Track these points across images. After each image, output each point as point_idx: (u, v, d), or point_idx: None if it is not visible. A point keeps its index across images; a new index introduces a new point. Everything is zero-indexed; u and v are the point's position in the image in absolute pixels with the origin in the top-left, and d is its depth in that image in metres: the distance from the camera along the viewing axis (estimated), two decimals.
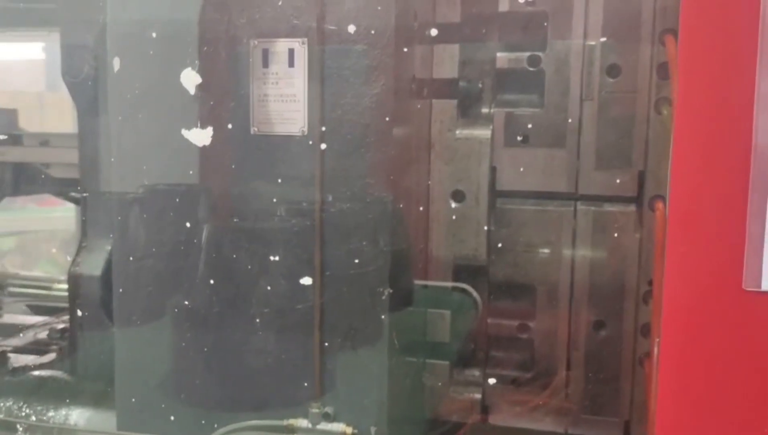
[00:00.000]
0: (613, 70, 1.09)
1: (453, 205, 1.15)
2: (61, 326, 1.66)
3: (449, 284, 1.18)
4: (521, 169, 1.13)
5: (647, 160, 1.08)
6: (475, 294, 1.17)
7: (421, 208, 1.15)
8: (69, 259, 1.37)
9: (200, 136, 1.04)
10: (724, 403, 0.64)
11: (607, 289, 1.11)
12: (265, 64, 1.01)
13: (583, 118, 1.10)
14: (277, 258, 1.03)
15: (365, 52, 0.98)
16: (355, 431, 1.02)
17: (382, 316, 1.01)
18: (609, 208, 1.10)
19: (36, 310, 1.93)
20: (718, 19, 0.62)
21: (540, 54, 1.11)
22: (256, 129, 1.02)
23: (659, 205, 1.04)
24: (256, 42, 1.01)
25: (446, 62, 1.14)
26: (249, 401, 1.07)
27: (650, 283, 1.07)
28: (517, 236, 1.14)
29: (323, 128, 0.99)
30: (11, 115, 1.86)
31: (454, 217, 1.15)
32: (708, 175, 0.62)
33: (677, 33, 0.99)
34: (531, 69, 1.12)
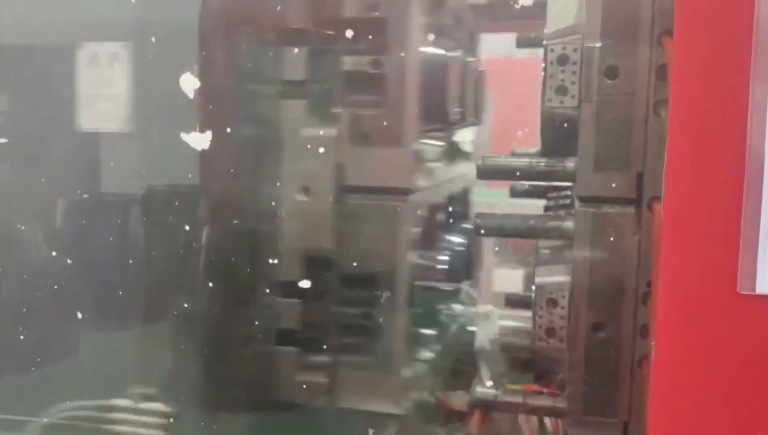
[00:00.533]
0: (611, 72, 1.09)
1: (301, 200, 1.23)
2: None
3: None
4: (364, 166, 1.22)
5: (645, 161, 1.08)
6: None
7: (271, 204, 1.24)
8: None
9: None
10: (720, 405, 0.64)
11: (606, 290, 1.11)
12: (92, 65, 1.09)
13: (582, 120, 1.10)
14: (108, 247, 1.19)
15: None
16: (172, 410, 1.17)
17: (202, 304, 1.18)
18: (608, 209, 1.10)
19: None
20: (713, 21, 0.62)
21: (381, 58, 1.19)
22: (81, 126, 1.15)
23: (657, 207, 1.04)
24: (82, 44, 1.08)
25: (295, 64, 1.23)
26: (72, 382, 1.21)
27: (649, 284, 1.07)
28: (361, 230, 1.23)
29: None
30: None
31: (303, 212, 1.23)
32: (702, 178, 0.63)
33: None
34: (373, 72, 1.20)
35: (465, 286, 1.45)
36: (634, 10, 1.06)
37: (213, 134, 1.16)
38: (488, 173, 1.26)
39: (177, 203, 1.20)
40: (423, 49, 1.26)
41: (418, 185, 1.26)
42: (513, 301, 1.50)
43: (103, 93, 1.12)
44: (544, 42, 1.15)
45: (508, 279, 3.08)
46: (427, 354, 1.39)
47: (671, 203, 0.63)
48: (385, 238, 1.23)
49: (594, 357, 1.12)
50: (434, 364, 1.43)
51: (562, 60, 1.12)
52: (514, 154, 1.37)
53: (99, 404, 1.16)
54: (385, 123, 1.20)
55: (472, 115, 1.59)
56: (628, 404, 1.11)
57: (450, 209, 1.61)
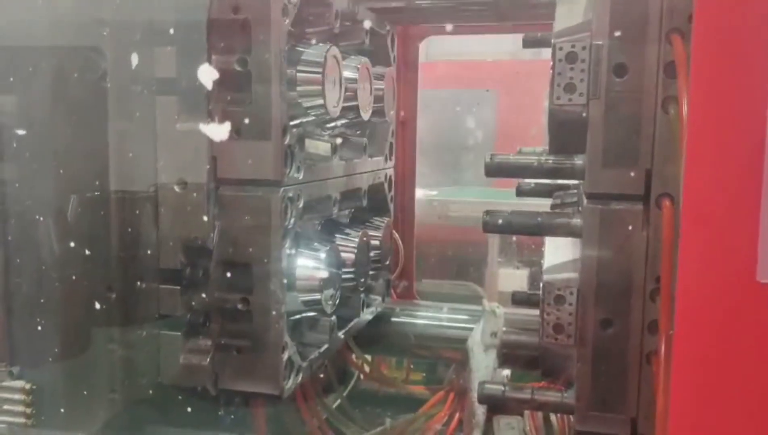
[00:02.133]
0: (619, 70, 1.09)
1: (177, 191, 1.30)
2: None
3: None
4: (235, 159, 1.29)
5: (654, 158, 1.08)
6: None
7: (148, 196, 1.32)
8: None
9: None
10: (739, 391, 0.64)
11: (614, 286, 1.12)
12: None
13: (591, 117, 1.10)
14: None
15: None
16: (34, 387, 1.26)
17: (61, 287, 1.29)
18: (616, 206, 1.11)
19: None
20: (732, 15, 0.63)
21: (246, 57, 1.26)
22: None
23: (666, 203, 1.05)
24: None
25: (166, 62, 1.30)
26: None
27: (657, 280, 1.07)
28: (235, 219, 1.30)
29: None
30: None
31: (179, 203, 1.30)
32: (721, 169, 0.63)
33: (683, 32, 1.01)
34: (240, 69, 1.26)
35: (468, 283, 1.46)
36: (643, 8, 1.07)
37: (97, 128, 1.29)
38: (496, 171, 1.27)
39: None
40: (297, 48, 1.34)
41: (294, 178, 1.33)
42: (519, 299, 1.51)
43: None
44: (553, 40, 1.15)
45: (513, 278, 3.10)
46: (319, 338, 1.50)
47: (690, 194, 0.64)
48: (257, 228, 1.29)
49: (602, 353, 1.12)
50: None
51: (571, 58, 1.13)
52: (520, 153, 1.38)
53: None
54: (253, 118, 1.27)
55: (373, 113, 1.65)
56: (637, 400, 1.11)
57: (351, 203, 1.69)
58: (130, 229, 1.32)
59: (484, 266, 3.22)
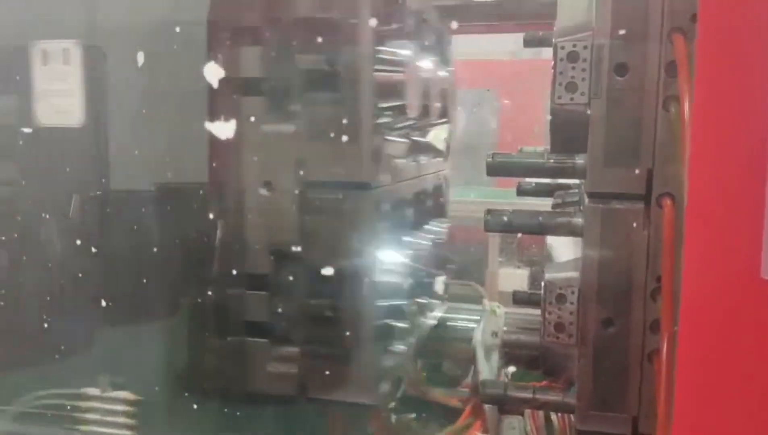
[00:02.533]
0: (621, 69, 1.09)
1: (264, 194, 1.27)
2: None
3: None
4: (324, 161, 1.26)
5: (655, 157, 1.08)
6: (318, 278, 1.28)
7: (234, 198, 1.28)
8: None
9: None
10: (743, 389, 0.65)
11: (616, 286, 1.12)
12: (44, 62, 1.11)
13: (592, 116, 1.10)
14: (74, 242, 1.23)
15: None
16: (140, 398, 1.22)
17: (165, 295, 1.23)
18: (617, 205, 1.11)
19: None
20: (736, 13, 0.63)
21: (335, 56, 1.23)
22: (38, 124, 1.20)
23: (667, 202, 1.05)
24: (34, 42, 1.11)
25: (251, 62, 1.27)
26: (43, 370, 1.25)
27: (658, 279, 1.07)
28: (323, 223, 1.27)
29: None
30: None
31: (265, 207, 1.27)
32: (725, 167, 0.64)
33: (684, 31, 1.01)
34: (328, 69, 1.24)
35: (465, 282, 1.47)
36: (644, 7, 1.07)
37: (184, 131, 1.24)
38: (497, 170, 1.27)
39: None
40: (380, 47, 1.29)
41: (381, 181, 1.30)
42: (520, 299, 1.51)
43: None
44: (554, 39, 1.16)
45: (514, 278, 3.11)
46: (400, 346, 1.45)
47: (694, 191, 0.64)
48: (347, 231, 1.26)
49: (603, 352, 1.12)
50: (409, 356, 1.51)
51: (572, 57, 1.13)
52: (521, 153, 1.38)
53: (68, 392, 1.20)
54: (341, 119, 1.24)
55: (439, 113, 1.63)
56: (638, 399, 1.11)
57: (420, 205, 1.66)
58: (217, 234, 1.28)
59: (485, 266, 3.22)
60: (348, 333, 1.26)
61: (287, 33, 1.24)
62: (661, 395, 0.95)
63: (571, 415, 1.25)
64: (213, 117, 1.23)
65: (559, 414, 1.55)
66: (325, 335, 1.28)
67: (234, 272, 1.27)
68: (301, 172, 1.25)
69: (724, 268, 0.62)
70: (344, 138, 1.23)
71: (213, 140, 1.23)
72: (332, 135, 1.23)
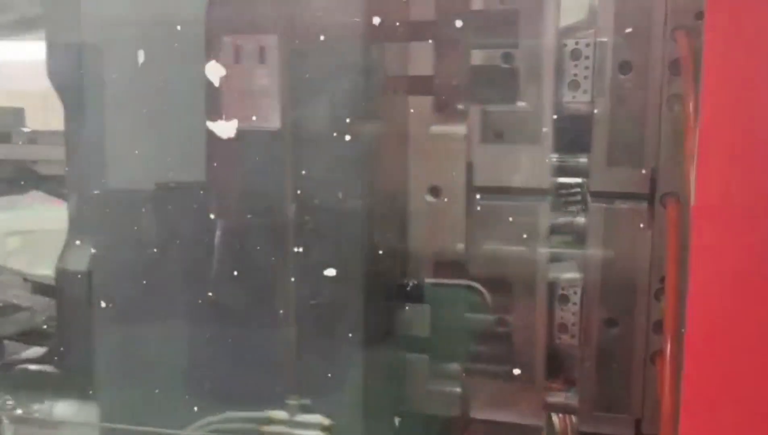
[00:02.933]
0: (624, 67, 1.09)
1: (430, 200, 1.16)
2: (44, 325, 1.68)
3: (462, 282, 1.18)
4: (496, 165, 1.15)
5: (659, 157, 1.08)
6: (483, 290, 1.17)
7: (398, 203, 1.17)
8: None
9: (225, 129, 1.06)
10: (750, 387, 0.64)
11: (619, 286, 1.11)
12: (237, 60, 1.04)
13: (596, 115, 1.10)
14: (254, 253, 1.06)
15: (338, 49, 1.00)
16: (333, 423, 1.06)
17: (359, 310, 1.04)
18: (621, 205, 1.10)
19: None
20: (743, 11, 0.63)
21: (513, 51, 1.13)
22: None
23: (671, 202, 1.04)
24: (227, 38, 1.03)
25: (421, 59, 1.14)
26: (229, 393, 1.11)
27: (662, 280, 1.07)
28: (494, 232, 1.16)
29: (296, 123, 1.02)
30: (18, 113, 1.87)
31: (431, 213, 1.16)
32: (731, 165, 0.63)
33: (688, 29, 1.00)
34: (505, 66, 1.14)
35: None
36: (647, 5, 1.07)
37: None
38: None
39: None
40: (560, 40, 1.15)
41: (554, 186, 1.19)
42: None
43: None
44: (558, 37, 1.15)
45: None
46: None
47: (702, 191, 0.64)
48: (521, 240, 1.15)
49: (606, 353, 1.12)
50: None
51: (575, 55, 1.12)
52: None
53: (252, 416, 1.08)
54: (519, 120, 1.14)
55: None
56: (641, 400, 1.11)
57: None
58: (377, 242, 1.12)
59: None
60: (517, 350, 1.16)
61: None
62: (664, 396, 0.94)
63: (573, 416, 1.24)
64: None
65: (561, 415, 1.55)
66: (491, 352, 1.18)
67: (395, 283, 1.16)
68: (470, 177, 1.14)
69: (732, 267, 0.62)
70: (521, 139, 1.13)
71: (373, 144, 1.09)
72: (507, 136, 1.14)
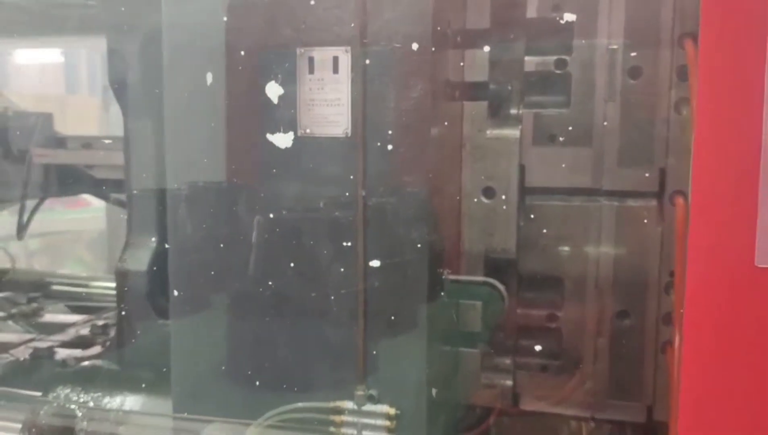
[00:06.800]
0: (635, 72, 1.13)
1: (484, 201, 1.21)
2: (102, 323, 1.75)
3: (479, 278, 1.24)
4: (548, 167, 1.19)
5: (668, 157, 1.12)
6: (501, 287, 1.22)
7: (454, 204, 1.22)
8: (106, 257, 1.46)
9: (283, 140, 1.12)
10: (742, 365, 0.70)
11: (631, 280, 1.16)
12: (311, 70, 1.09)
13: (608, 118, 1.15)
14: (324, 250, 1.11)
15: (404, 58, 1.06)
16: (398, 411, 1.10)
17: (421, 304, 1.09)
18: (632, 203, 1.15)
19: (75, 310, 2.01)
20: (735, 25, 0.68)
21: (566, 57, 1.17)
22: (302, 131, 1.10)
23: (679, 199, 1.09)
24: (302, 50, 1.09)
25: (477, 66, 1.20)
26: (298, 384, 1.15)
27: (672, 274, 1.11)
28: (545, 231, 1.20)
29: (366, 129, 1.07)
30: (47, 118, 1.93)
31: (485, 213, 1.21)
32: (724, 168, 0.69)
33: (695, 37, 1.05)
34: (558, 72, 1.18)
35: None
36: (656, 13, 1.11)
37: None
38: None
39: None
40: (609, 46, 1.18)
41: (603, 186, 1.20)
42: None
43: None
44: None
45: None
46: None
47: (698, 190, 0.69)
48: (572, 239, 1.19)
49: (619, 344, 1.17)
50: None
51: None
52: None
53: (321, 406, 1.12)
54: (572, 123, 1.18)
55: None
56: (653, 388, 1.16)
57: None
58: (434, 241, 1.15)
59: None
60: (566, 345, 1.20)
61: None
62: (674, 384, 0.99)
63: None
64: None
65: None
66: (542, 346, 1.23)
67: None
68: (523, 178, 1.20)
69: (724, 257, 0.68)
70: (574, 142, 1.18)
71: (432, 146, 1.12)
72: (559, 139, 1.18)
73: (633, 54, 1.13)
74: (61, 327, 1.77)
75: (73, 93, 3.71)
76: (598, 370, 1.19)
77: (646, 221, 1.14)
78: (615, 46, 1.14)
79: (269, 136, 1.11)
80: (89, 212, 3.20)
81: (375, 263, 1.09)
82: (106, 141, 1.81)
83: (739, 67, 0.68)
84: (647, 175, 1.14)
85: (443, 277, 1.18)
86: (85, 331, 1.73)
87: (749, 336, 0.68)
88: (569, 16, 1.17)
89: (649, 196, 1.14)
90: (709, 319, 0.70)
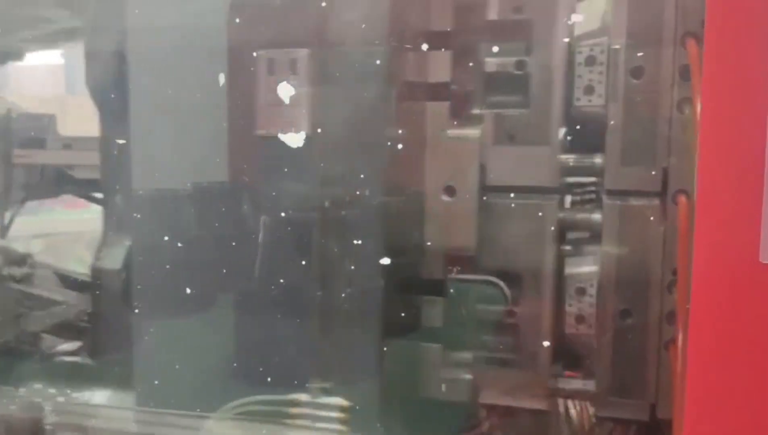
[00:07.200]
0: (636, 72, 1.14)
1: (445, 199, 1.24)
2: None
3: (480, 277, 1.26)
4: (508, 166, 1.23)
5: (670, 156, 1.13)
6: (503, 285, 1.24)
7: (415, 203, 1.25)
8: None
9: (294, 139, 1.16)
10: (745, 363, 0.70)
11: (634, 279, 1.17)
12: (270, 72, 1.12)
13: (611, 118, 1.15)
14: (282, 247, 1.18)
15: (364, 59, 1.09)
16: (351, 404, 1.16)
17: (375, 300, 1.16)
18: (634, 202, 1.16)
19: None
20: (743, 18, 0.68)
21: (526, 59, 1.20)
22: (262, 131, 1.13)
23: (682, 198, 1.09)
24: (261, 52, 1.11)
25: (439, 67, 1.24)
26: (256, 378, 1.22)
27: (674, 272, 1.12)
28: (504, 228, 1.23)
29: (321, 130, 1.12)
30: (50, 119, 1.93)
31: (446, 212, 1.24)
32: (729, 165, 0.69)
33: (697, 36, 1.05)
34: (517, 72, 1.21)
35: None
36: (658, 13, 1.12)
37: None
38: None
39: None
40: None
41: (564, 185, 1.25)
42: None
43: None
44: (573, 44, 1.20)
45: None
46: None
47: (703, 187, 0.70)
48: (530, 237, 1.22)
49: (622, 342, 1.18)
50: None
51: (590, 61, 1.18)
52: None
53: (277, 399, 1.17)
54: (530, 122, 1.20)
55: None
56: (655, 387, 1.16)
57: None
58: (395, 238, 1.22)
59: None
60: (523, 339, 1.23)
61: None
62: (677, 382, 1.00)
63: (588, 404, 1.29)
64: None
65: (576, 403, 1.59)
66: (500, 341, 1.25)
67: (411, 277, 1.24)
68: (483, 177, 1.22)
69: (729, 253, 0.68)
70: (532, 141, 1.20)
71: (392, 147, 1.18)
72: (518, 138, 1.21)
73: (638, 54, 1.13)
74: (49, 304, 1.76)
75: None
76: (600, 368, 1.20)
77: (652, 219, 1.15)
78: (617, 46, 1.15)
79: (230, 138, 1.15)
80: (89, 213, 3.21)
81: (331, 261, 1.15)
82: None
83: (744, 65, 0.68)
84: (652, 173, 1.14)
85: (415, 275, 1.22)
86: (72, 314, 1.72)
87: (754, 332, 0.69)
88: (529, 18, 1.19)
89: (652, 195, 1.15)
90: (713, 316, 0.70)
